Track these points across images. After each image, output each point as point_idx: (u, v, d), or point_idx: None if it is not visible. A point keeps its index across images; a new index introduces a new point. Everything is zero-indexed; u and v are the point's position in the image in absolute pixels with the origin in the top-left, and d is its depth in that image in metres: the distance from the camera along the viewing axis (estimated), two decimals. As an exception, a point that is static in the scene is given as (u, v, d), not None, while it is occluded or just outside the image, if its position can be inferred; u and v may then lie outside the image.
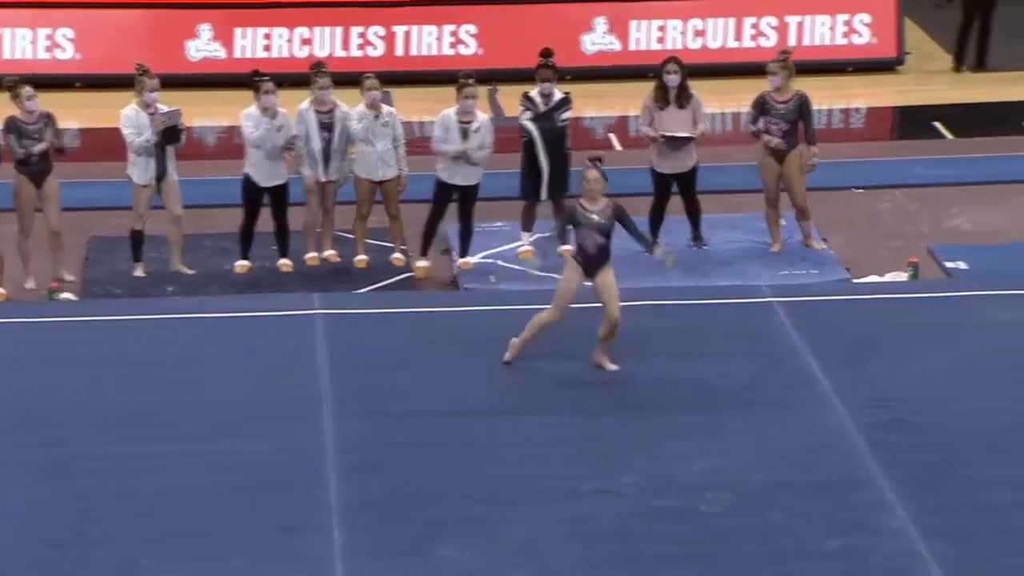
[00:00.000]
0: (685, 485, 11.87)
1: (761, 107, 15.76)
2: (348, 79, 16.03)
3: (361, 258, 15.87)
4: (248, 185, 15.45)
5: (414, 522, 11.36)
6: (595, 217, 12.94)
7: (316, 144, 15.45)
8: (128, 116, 15.17)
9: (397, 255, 15.92)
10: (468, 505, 11.60)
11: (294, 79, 18.64)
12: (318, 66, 15.71)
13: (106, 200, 16.45)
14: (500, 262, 16.05)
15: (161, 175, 15.23)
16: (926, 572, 10.88)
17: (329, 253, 15.92)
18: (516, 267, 15.86)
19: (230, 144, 17.87)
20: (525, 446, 12.35)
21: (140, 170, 15.26)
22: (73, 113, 17.70)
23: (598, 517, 11.50)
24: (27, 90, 15.06)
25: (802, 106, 15.74)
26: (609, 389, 13.22)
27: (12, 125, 14.99)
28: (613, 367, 13.35)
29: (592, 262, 13.10)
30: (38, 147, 14.95)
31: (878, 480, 11.92)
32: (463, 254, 15.85)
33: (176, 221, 15.50)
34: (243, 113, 15.42)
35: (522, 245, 16.01)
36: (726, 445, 12.38)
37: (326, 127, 15.47)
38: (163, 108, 15.14)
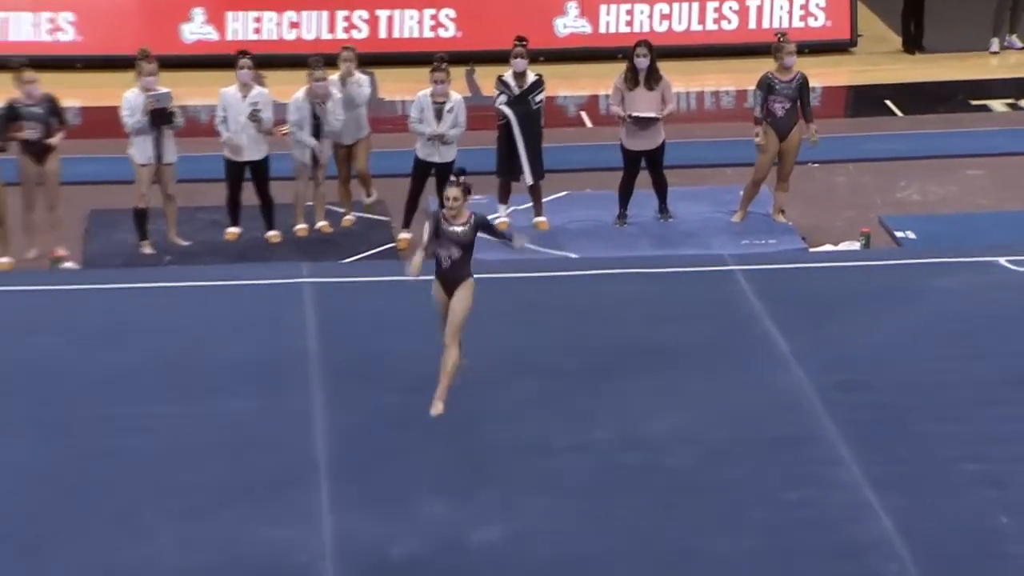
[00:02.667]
0: (652, 441, 11.89)
1: (767, 86, 15.78)
2: (333, 60, 15.97)
3: (348, 217, 16.02)
4: (227, 160, 15.45)
5: (397, 478, 11.37)
6: (456, 230, 11.98)
7: (308, 129, 15.43)
8: (127, 99, 15.12)
9: (369, 199, 16.12)
10: (448, 462, 11.60)
11: (283, 60, 18.69)
12: (316, 58, 15.68)
13: (105, 175, 16.39)
14: (480, 234, 15.94)
15: (159, 157, 15.15)
16: (876, 521, 10.94)
17: (321, 224, 15.92)
18: (490, 238, 15.80)
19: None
20: (501, 407, 12.35)
21: (139, 151, 15.20)
22: (74, 92, 17.66)
23: (570, 472, 11.53)
24: (28, 74, 15.00)
25: (802, 86, 15.84)
26: (581, 353, 13.20)
27: (12, 108, 14.91)
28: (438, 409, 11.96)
29: (447, 275, 12.04)
30: (28, 134, 14.89)
31: (832, 436, 11.96)
32: (442, 225, 15.80)
33: (170, 199, 15.44)
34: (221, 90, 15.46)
35: (499, 217, 15.98)
36: (690, 404, 12.41)
37: (319, 115, 15.43)
38: (160, 90, 15.06)
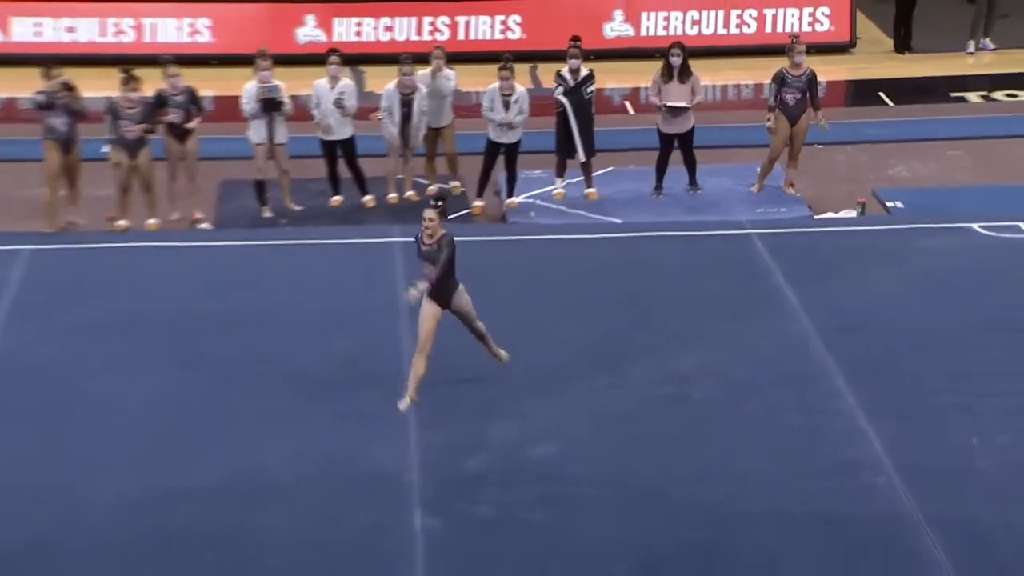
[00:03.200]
0: (681, 376, 11.78)
1: (781, 80, 15.62)
2: (421, 58, 15.88)
3: (432, 188, 15.81)
4: (321, 140, 15.38)
5: (471, 402, 11.32)
6: (425, 247, 11.11)
7: (397, 115, 15.30)
8: (246, 90, 15.06)
9: (454, 183, 15.88)
10: (513, 390, 11.52)
11: (379, 58, 18.62)
12: (406, 56, 15.58)
13: (234, 152, 16.32)
14: (538, 201, 15.88)
15: (271, 137, 15.08)
16: (868, 443, 10.82)
17: (409, 194, 15.77)
18: (551, 205, 15.72)
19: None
20: (555, 347, 12.23)
21: (255, 132, 15.14)
22: (208, 84, 17.55)
23: (612, 401, 11.44)
24: (172, 69, 15.00)
25: (811, 80, 15.67)
26: (622, 302, 13.06)
27: (160, 97, 14.91)
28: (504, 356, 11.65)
29: (435, 290, 11.19)
30: (172, 118, 14.87)
31: (832, 373, 11.81)
32: (509, 195, 15.71)
33: (284, 173, 15.37)
34: (316, 84, 15.34)
35: (555, 188, 15.89)
36: (714, 345, 12.27)
37: (406, 104, 15.30)
38: (273, 83, 15.00)
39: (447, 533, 9.81)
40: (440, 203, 11.22)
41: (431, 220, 11.12)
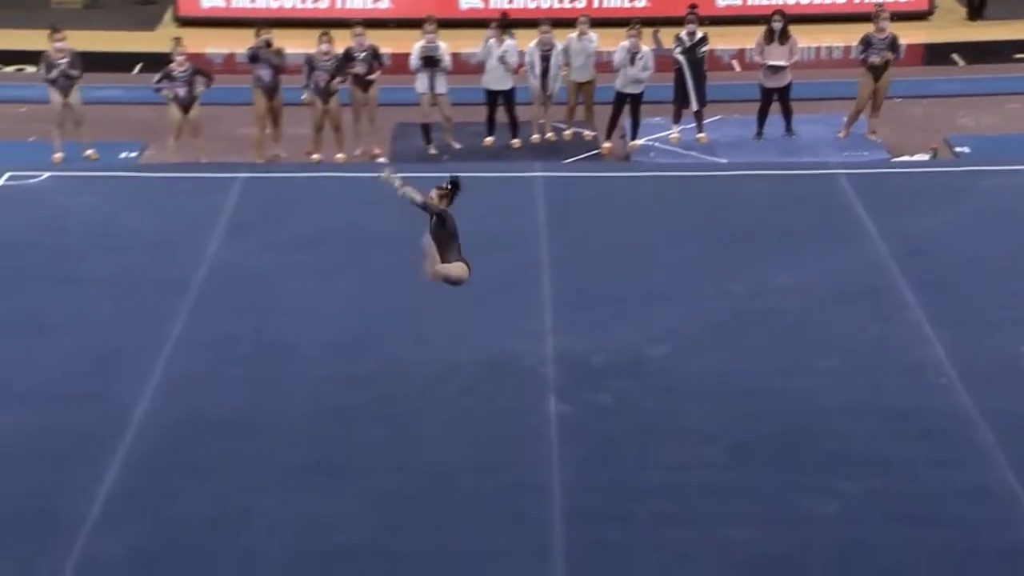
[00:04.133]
0: (773, 291, 11.68)
1: (867, 42, 15.29)
2: (559, 23, 15.75)
3: (568, 132, 15.78)
4: (485, 90, 15.35)
5: (598, 309, 11.33)
6: (431, 204, 9.71)
7: (538, 68, 15.25)
8: (415, 48, 15.09)
9: (588, 131, 15.77)
10: (632, 300, 11.51)
11: (528, 23, 18.44)
12: (546, 20, 15.52)
13: (406, 100, 16.41)
14: (657, 144, 15.74)
15: (432, 88, 15.11)
16: (932, 348, 10.67)
17: (549, 135, 15.76)
18: (667, 147, 15.58)
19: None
20: (666, 267, 12.17)
21: (420, 84, 15.17)
22: (387, 43, 17.57)
23: (714, 311, 11.38)
24: (359, 29, 15.08)
25: (893, 42, 15.30)
26: (725, 230, 12.92)
27: (348, 53, 15.00)
28: None
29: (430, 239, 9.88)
30: (357, 70, 14.95)
31: (903, 288, 11.63)
32: (633, 138, 15.58)
33: (447, 118, 15.40)
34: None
35: (671, 133, 15.73)
36: (802, 265, 12.11)
37: (545, 59, 15.24)
38: (436, 43, 15.00)
39: (576, 416, 9.89)
40: (448, 187, 9.77)
41: (431, 197, 9.68)
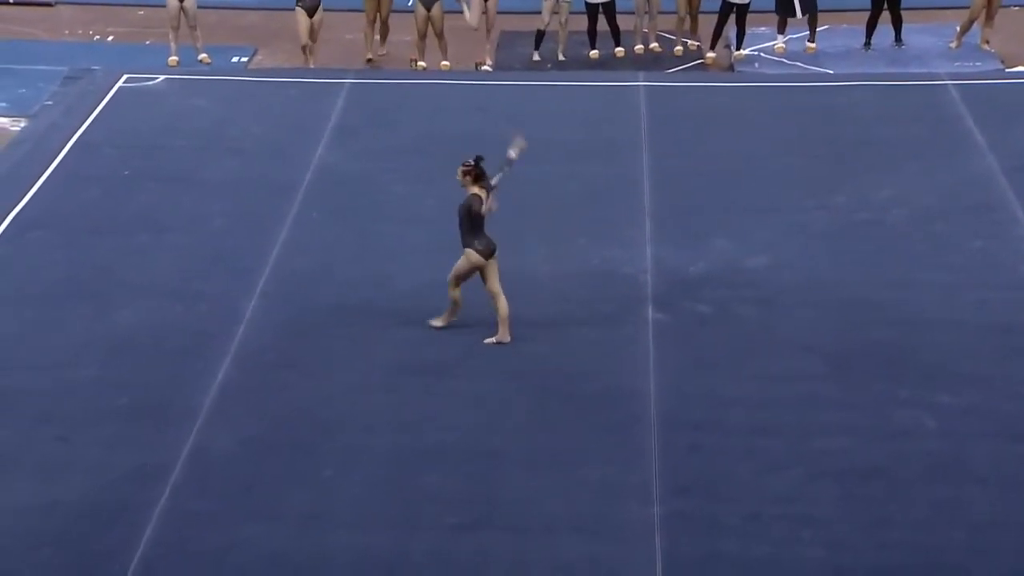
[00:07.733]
0: (877, 204, 11.41)
1: None
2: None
3: (679, 48, 15.48)
4: (587, 2, 15.07)
5: (696, 221, 11.16)
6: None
7: None
8: None
9: (693, 41, 15.48)
10: (731, 212, 11.33)
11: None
12: None
13: (517, 8, 16.24)
14: (762, 54, 15.41)
15: None
16: (1040, 265, 10.36)
17: (653, 45, 15.53)
18: (772, 57, 15.24)
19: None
20: (769, 179, 11.89)
21: None
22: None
23: (816, 222, 11.17)
24: None
25: None
26: (832, 142, 12.60)
27: None
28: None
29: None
30: None
31: (1011, 203, 11.29)
32: (738, 48, 15.26)
33: (562, 25, 15.15)
34: None
35: (777, 43, 15.38)
36: (908, 178, 11.82)
37: None
38: None
39: (673, 324, 9.82)
40: (471, 164, 9.25)
41: (460, 175, 9.29)
